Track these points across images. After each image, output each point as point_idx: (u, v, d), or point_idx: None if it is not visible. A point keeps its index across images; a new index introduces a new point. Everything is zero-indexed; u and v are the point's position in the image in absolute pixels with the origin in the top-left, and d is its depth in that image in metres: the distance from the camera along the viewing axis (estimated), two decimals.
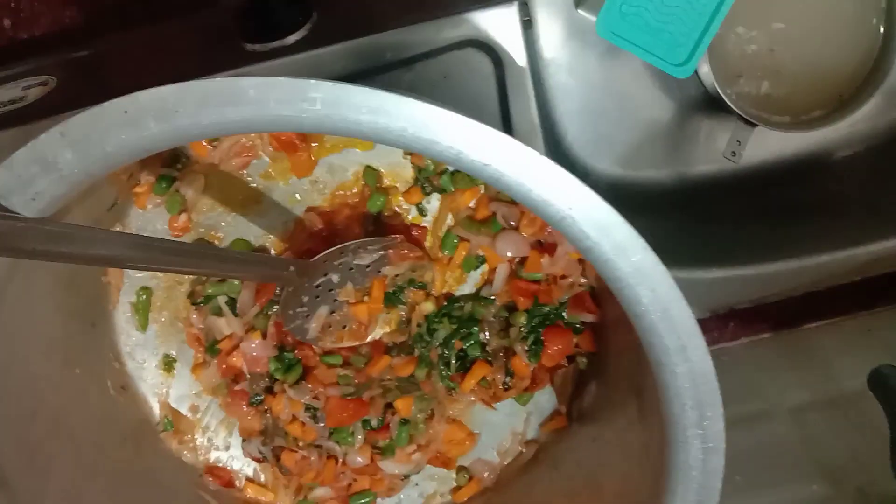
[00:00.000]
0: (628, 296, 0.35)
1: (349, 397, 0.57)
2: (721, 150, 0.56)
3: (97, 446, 0.54)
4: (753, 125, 0.54)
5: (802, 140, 0.60)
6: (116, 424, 0.57)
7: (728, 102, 0.53)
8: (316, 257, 0.52)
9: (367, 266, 0.55)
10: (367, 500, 0.61)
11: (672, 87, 0.58)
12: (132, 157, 0.33)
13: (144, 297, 0.57)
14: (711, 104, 0.57)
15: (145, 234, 0.48)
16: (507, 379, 0.58)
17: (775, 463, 0.66)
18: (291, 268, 0.50)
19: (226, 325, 0.56)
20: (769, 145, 0.60)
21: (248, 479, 0.62)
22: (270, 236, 0.56)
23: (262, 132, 0.50)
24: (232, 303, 0.55)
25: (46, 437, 0.49)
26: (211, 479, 0.61)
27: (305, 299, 0.54)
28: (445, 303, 0.58)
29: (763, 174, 0.62)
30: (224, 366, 0.57)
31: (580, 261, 0.54)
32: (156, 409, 0.60)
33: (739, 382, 0.71)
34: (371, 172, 0.54)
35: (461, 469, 0.62)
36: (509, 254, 0.54)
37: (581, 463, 0.56)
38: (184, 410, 0.61)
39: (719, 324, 0.73)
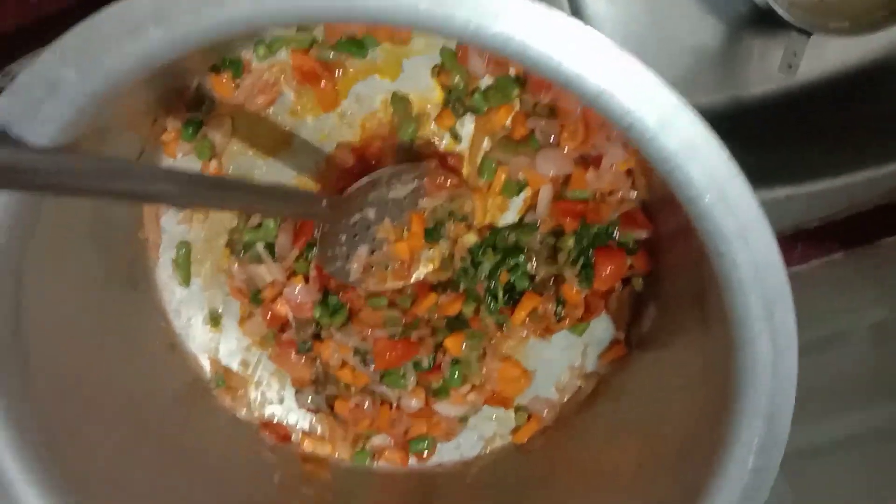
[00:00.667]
0: (678, 178, 0.32)
1: (397, 338, 0.55)
2: (775, 68, 0.52)
3: (151, 405, 0.54)
4: (809, 34, 0.50)
5: (864, 46, 0.56)
6: (169, 383, 0.57)
7: (780, 12, 0.49)
8: (348, 190, 0.50)
9: (404, 199, 0.53)
10: (426, 444, 0.59)
11: (718, 6, 0.54)
12: (136, 68, 0.31)
13: (184, 251, 0.56)
14: (762, 19, 0.53)
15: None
16: (559, 309, 0.55)
17: (853, 386, 0.62)
18: (324, 202, 0.48)
19: (266, 272, 0.55)
20: (828, 56, 0.57)
21: (305, 433, 0.61)
22: (302, 177, 0.54)
23: (266, 26, 0.48)
24: (271, 248, 0.54)
25: (98, 395, 0.49)
26: (267, 434, 0.60)
27: (343, 238, 0.52)
28: (488, 234, 0.55)
29: (823, 88, 0.58)
30: (269, 315, 0.56)
31: (628, 173, 0.51)
32: (206, 366, 0.59)
33: (812, 306, 0.66)
34: (399, 99, 0.52)
35: (519, 408, 0.60)
36: (551, 172, 0.51)
37: (644, 391, 0.53)
38: (235, 366, 0.60)
39: (786, 246, 0.68)
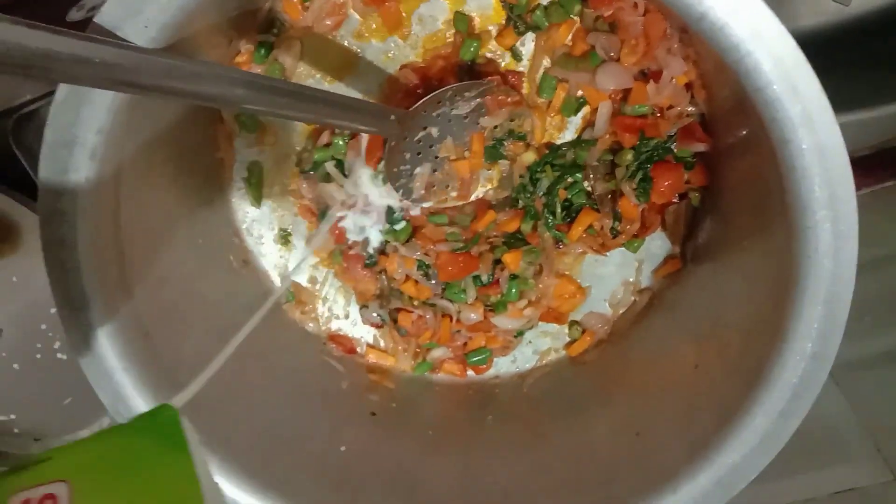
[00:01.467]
0: (747, 66, 0.33)
1: (459, 252, 0.57)
2: (829, 1, 0.52)
3: (226, 314, 0.58)
4: None
5: None
6: (242, 296, 0.60)
7: None
8: (414, 106, 0.52)
9: (465, 117, 0.55)
10: (483, 357, 0.62)
11: None
12: None
13: (256, 171, 0.59)
14: None
15: None
16: (616, 224, 0.57)
17: None
18: (392, 116, 0.50)
19: (336, 189, 0.57)
20: None
21: (369, 346, 0.64)
22: (368, 98, 0.56)
23: None
24: (340, 166, 0.56)
25: (180, 299, 0.53)
26: (334, 346, 0.64)
27: (408, 156, 0.55)
28: (547, 151, 0.57)
29: (875, 19, 0.58)
30: (337, 231, 0.59)
31: (688, 87, 0.52)
32: (277, 282, 0.63)
33: (864, 232, 0.67)
34: (462, 18, 0.53)
35: (573, 323, 0.62)
36: (611, 87, 0.52)
37: (700, 302, 0.55)
38: (303, 282, 0.63)
39: None
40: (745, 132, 0.47)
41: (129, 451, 0.30)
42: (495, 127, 0.56)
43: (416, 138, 0.54)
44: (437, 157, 0.56)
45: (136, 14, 0.35)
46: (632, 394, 0.56)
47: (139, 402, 0.46)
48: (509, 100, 0.54)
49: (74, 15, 0.63)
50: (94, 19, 0.36)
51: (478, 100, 0.54)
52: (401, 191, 0.56)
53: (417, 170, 0.56)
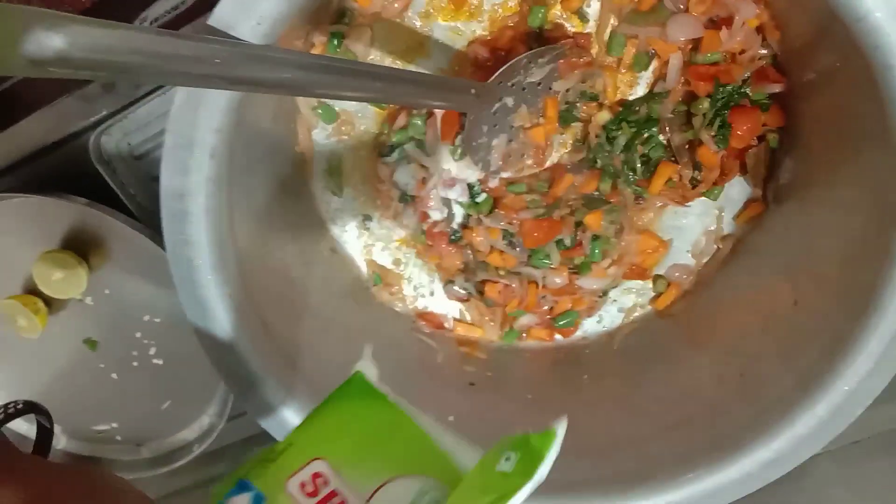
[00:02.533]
0: None
1: (541, 217, 0.59)
2: None
3: (326, 301, 0.60)
4: None
5: None
6: (336, 283, 0.62)
7: None
8: (491, 78, 0.53)
9: (538, 84, 0.56)
10: (570, 319, 0.64)
11: None
12: None
13: (335, 161, 0.61)
14: None
15: None
16: (695, 173, 0.58)
17: None
18: (473, 90, 0.51)
19: (416, 170, 0.59)
20: None
21: (456, 320, 0.66)
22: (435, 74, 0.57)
23: None
24: (420, 145, 0.58)
25: (287, 290, 0.55)
26: (423, 323, 0.66)
27: (485, 129, 0.56)
28: (620, 109, 0.58)
29: None
30: (420, 211, 0.61)
31: (758, 30, 0.52)
32: (363, 268, 0.65)
33: None
34: None
35: (657, 278, 0.63)
36: (682, 38, 0.53)
37: (789, 241, 0.55)
38: (388, 265, 0.65)
39: None
40: (825, 66, 0.47)
41: (348, 416, 0.33)
42: (567, 90, 0.57)
43: (492, 110, 0.55)
44: (512, 127, 0.57)
45: (249, 11, 0.37)
46: (728, 339, 0.57)
47: (265, 388, 0.48)
48: (581, 61, 0.55)
49: None
50: (208, 21, 0.37)
51: (551, 65, 0.54)
52: (479, 164, 0.57)
53: (494, 141, 0.57)
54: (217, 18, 0.37)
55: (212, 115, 0.40)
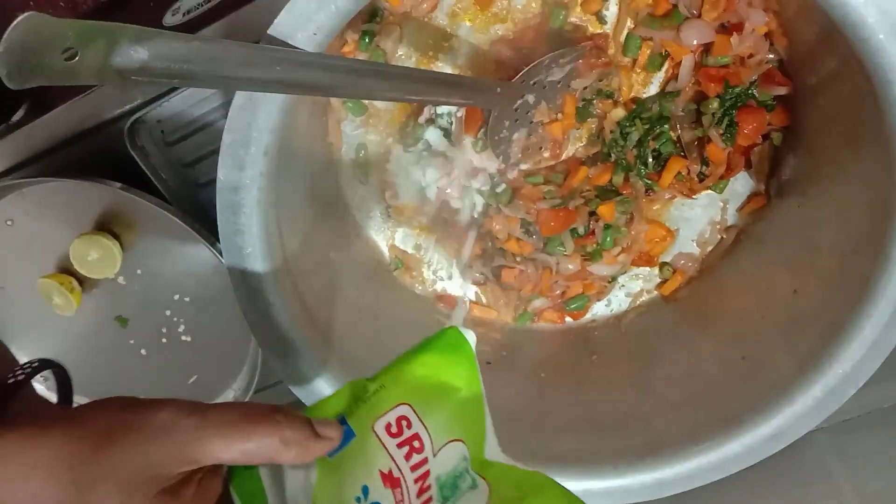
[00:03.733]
0: (853, 20, 0.38)
1: (558, 208, 0.62)
2: None
3: (356, 283, 0.63)
4: None
5: None
6: (362, 266, 0.66)
7: None
8: (516, 77, 0.56)
9: (558, 82, 0.59)
10: (581, 303, 0.68)
11: None
12: None
13: (363, 153, 0.64)
14: None
15: None
16: (703, 168, 0.61)
17: None
18: (498, 89, 0.55)
19: (439, 163, 0.62)
20: None
21: (473, 302, 0.70)
22: (464, 73, 0.61)
23: None
24: (448, 135, 0.61)
25: (322, 275, 0.59)
26: (442, 305, 0.69)
27: (507, 124, 0.59)
28: (634, 106, 0.61)
29: None
30: (442, 199, 0.64)
31: (767, 35, 0.56)
32: (386, 252, 0.68)
33: None
34: None
35: (664, 265, 0.67)
36: (695, 42, 0.56)
37: (789, 233, 0.59)
38: (409, 250, 0.69)
39: None
40: (828, 72, 0.51)
41: (436, 368, 0.36)
42: (585, 88, 0.60)
43: (514, 107, 0.58)
44: (531, 122, 0.61)
45: (307, 22, 0.40)
46: (730, 324, 0.61)
47: (304, 362, 0.52)
48: (599, 61, 0.58)
49: (170, 19, 0.67)
50: (269, 31, 0.41)
51: (570, 65, 0.58)
52: (500, 156, 0.61)
53: (515, 135, 0.60)
54: (277, 28, 0.40)
55: (269, 117, 0.43)
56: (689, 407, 0.57)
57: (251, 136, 0.43)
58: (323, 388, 0.54)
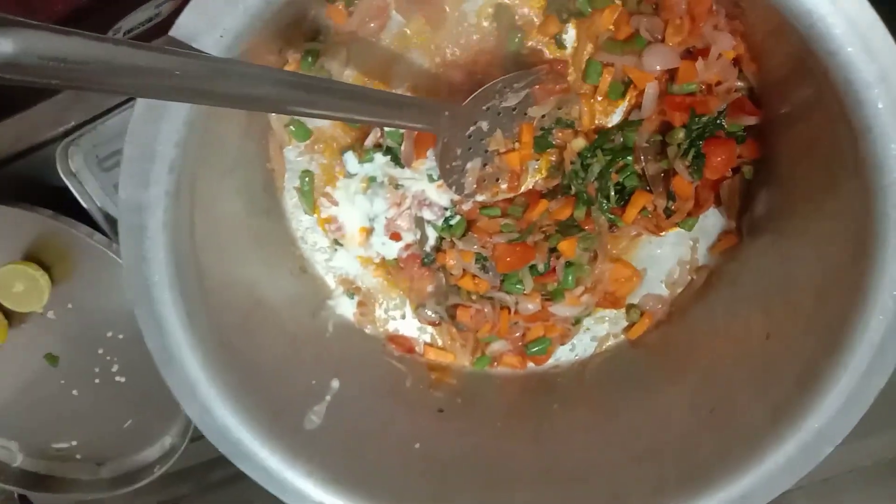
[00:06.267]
0: (820, 31, 0.34)
1: (515, 242, 0.58)
2: None
3: (294, 321, 0.59)
4: None
5: None
6: (305, 301, 0.61)
7: None
8: (466, 101, 0.52)
9: (514, 109, 0.55)
10: (543, 346, 0.63)
11: None
12: None
13: (307, 180, 0.60)
14: None
15: None
16: (670, 204, 0.57)
17: None
18: (446, 112, 0.51)
19: (390, 191, 0.58)
20: None
21: (427, 344, 0.65)
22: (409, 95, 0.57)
23: None
24: (395, 159, 0.57)
25: (253, 310, 0.54)
26: (394, 346, 0.64)
27: (459, 152, 0.55)
28: (596, 137, 0.57)
29: None
30: (392, 232, 0.60)
31: (735, 62, 0.52)
32: (334, 287, 0.63)
33: None
34: (503, 10, 0.54)
35: (631, 307, 0.63)
36: (658, 67, 0.53)
37: (763, 273, 0.55)
38: (360, 285, 0.64)
39: None
40: (801, 99, 0.47)
41: None
42: (543, 116, 0.56)
43: (466, 133, 0.54)
44: (486, 151, 0.57)
45: (212, 25, 0.36)
46: (700, 371, 0.56)
47: (223, 412, 0.47)
48: (557, 87, 0.54)
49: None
50: (171, 32, 0.36)
51: (526, 90, 0.54)
52: (453, 186, 0.57)
53: (469, 165, 0.56)
54: (179, 30, 0.36)
55: (173, 128, 0.39)
56: (655, 461, 0.52)
57: (155, 150, 0.39)
58: (250, 444, 0.48)
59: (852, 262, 0.42)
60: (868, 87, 0.35)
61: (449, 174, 0.56)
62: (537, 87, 0.54)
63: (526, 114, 0.56)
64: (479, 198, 0.58)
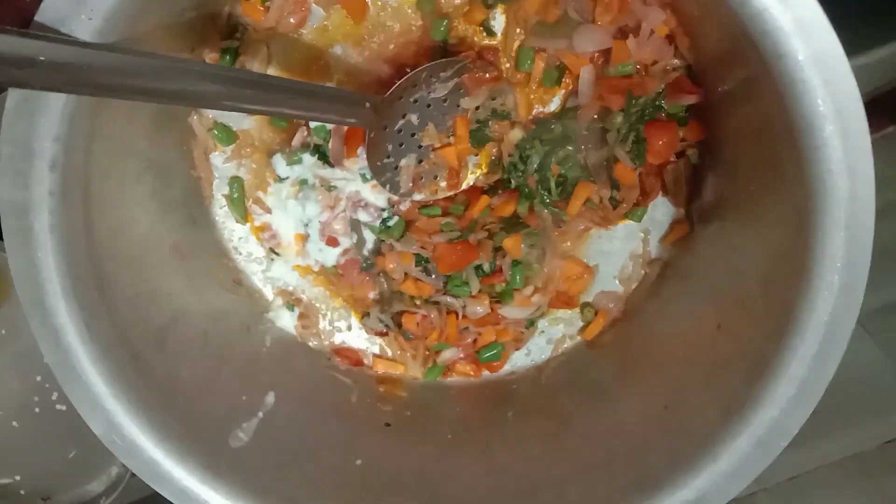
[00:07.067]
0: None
1: (456, 241, 0.55)
2: None
3: (223, 335, 0.55)
4: None
5: None
6: (237, 315, 0.58)
7: None
8: (388, 92, 0.50)
9: (445, 100, 0.53)
10: (496, 352, 0.59)
11: None
12: None
13: (236, 186, 0.57)
14: None
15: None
16: (615, 193, 0.55)
17: None
18: (367, 103, 0.48)
19: (321, 194, 0.55)
20: None
21: (376, 356, 0.62)
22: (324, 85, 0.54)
23: None
24: (324, 157, 0.54)
25: (171, 323, 0.50)
26: (340, 359, 0.61)
27: (390, 148, 0.52)
28: (533, 127, 0.55)
29: None
30: (328, 237, 0.57)
31: (669, 39, 0.50)
32: (271, 299, 0.60)
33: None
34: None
35: (585, 305, 0.60)
36: (590, 49, 0.50)
37: (714, 262, 0.52)
38: (300, 296, 0.61)
39: None
40: (738, 71, 0.44)
41: None
42: (477, 108, 0.54)
43: (396, 128, 0.52)
44: (420, 147, 0.54)
45: (79, 5, 0.34)
46: (655, 368, 0.53)
47: (133, 429, 0.43)
48: (487, 76, 0.52)
49: None
50: (36, 17, 0.34)
51: (455, 80, 0.52)
52: (387, 185, 0.54)
53: (402, 161, 0.54)
54: (45, 14, 0.34)
55: (50, 123, 0.36)
56: (605, 469, 0.48)
57: (32, 147, 0.36)
58: (164, 463, 0.45)
59: (794, 242, 0.39)
60: (786, 37, 0.32)
61: (381, 172, 0.53)
62: (466, 76, 0.52)
63: (459, 105, 0.53)
64: (418, 197, 0.56)
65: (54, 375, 0.42)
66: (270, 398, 0.53)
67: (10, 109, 0.36)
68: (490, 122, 0.55)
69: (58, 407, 0.69)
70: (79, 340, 0.41)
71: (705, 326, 0.49)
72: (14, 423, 0.70)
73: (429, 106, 0.52)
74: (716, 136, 0.51)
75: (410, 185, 0.55)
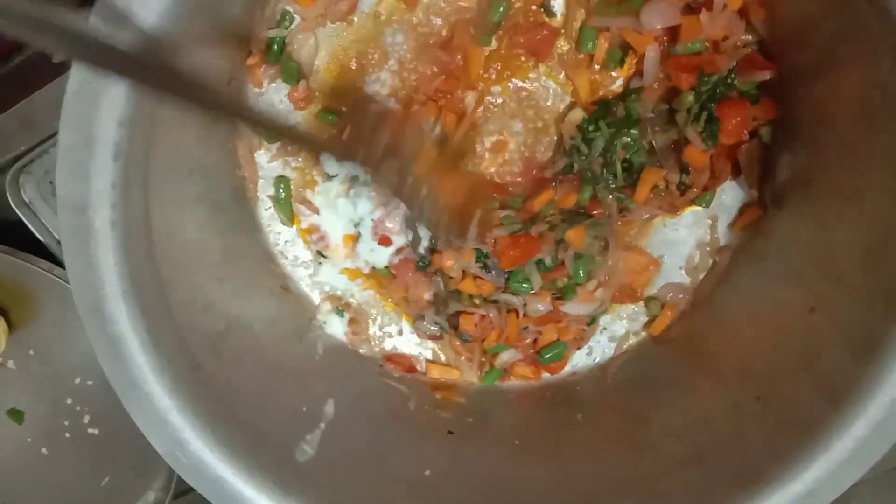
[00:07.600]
0: None
1: (518, 234, 0.52)
2: None
3: (276, 344, 0.52)
4: None
5: None
6: (288, 323, 0.55)
7: None
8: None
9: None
10: (558, 351, 0.56)
11: None
12: None
13: (283, 186, 0.54)
14: None
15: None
16: (684, 178, 0.52)
17: None
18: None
19: (373, 189, 0.52)
20: None
21: (429, 362, 0.58)
22: (396, 82, 0.52)
23: None
24: None
25: (226, 331, 0.47)
26: (392, 366, 0.58)
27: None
28: (596, 108, 0.52)
29: None
30: (381, 235, 0.54)
31: (741, 13, 0.48)
32: (319, 305, 0.57)
33: None
34: None
35: (650, 299, 0.57)
36: (658, 26, 0.48)
37: (796, 242, 0.49)
38: (350, 301, 0.58)
39: None
40: (826, 41, 0.42)
41: None
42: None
43: None
44: None
45: None
46: (737, 359, 0.50)
47: (199, 445, 0.40)
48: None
49: None
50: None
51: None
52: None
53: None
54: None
55: (114, 105, 0.33)
56: (698, 464, 0.45)
57: (94, 134, 0.33)
58: (233, 481, 0.41)
59: None
60: None
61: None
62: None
63: None
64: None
65: (116, 391, 0.38)
66: (330, 408, 0.50)
67: (70, 94, 0.33)
68: None
69: (90, 431, 0.66)
70: (141, 350, 0.37)
71: (793, 310, 0.47)
72: (43, 451, 0.67)
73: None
74: (792, 113, 0.49)
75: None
